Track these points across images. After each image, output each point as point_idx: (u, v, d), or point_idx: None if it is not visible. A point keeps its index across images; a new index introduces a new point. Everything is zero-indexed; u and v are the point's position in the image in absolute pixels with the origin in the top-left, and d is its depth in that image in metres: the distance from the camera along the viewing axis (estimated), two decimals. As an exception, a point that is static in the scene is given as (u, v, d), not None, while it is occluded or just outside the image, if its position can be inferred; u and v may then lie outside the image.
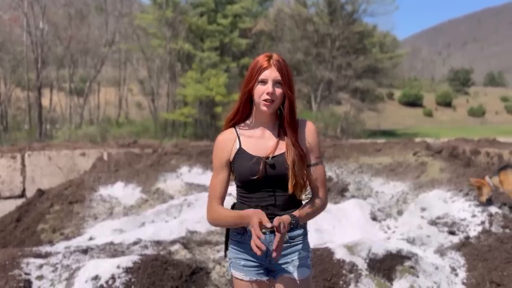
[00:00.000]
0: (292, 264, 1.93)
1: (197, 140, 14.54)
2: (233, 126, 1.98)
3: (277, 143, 1.90)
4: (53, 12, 23.95)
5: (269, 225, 1.71)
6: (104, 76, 29.21)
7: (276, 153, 1.89)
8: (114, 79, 29.30)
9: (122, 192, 7.34)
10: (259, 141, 1.92)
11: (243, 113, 1.95)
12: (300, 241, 1.95)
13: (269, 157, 1.87)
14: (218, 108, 21.49)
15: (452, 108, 56.72)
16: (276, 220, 1.74)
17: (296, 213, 1.89)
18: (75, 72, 26.35)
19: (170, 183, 7.63)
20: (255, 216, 1.74)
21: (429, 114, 52.57)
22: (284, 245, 1.89)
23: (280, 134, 1.92)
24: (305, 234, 1.98)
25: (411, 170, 7.67)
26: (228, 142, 1.94)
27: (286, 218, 1.81)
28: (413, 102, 54.47)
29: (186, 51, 22.75)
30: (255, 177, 1.85)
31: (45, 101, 22.95)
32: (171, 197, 7.07)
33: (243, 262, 1.95)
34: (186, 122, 22.77)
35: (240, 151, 1.91)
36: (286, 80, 1.85)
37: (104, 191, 7.35)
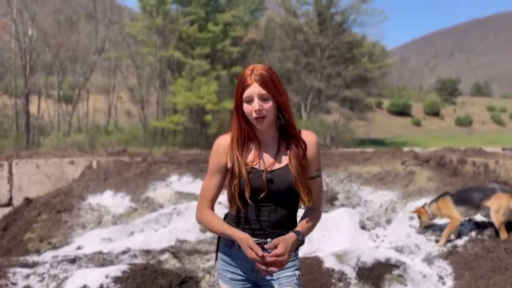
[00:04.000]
0: (278, 282, 1.88)
1: (187, 148, 14.47)
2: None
3: (276, 157, 1.84)
4: (42, 19, 23.79)
5: (260, 252, 1.66)
6: (93, 83, 29.05)
7: (275, 167, 1.83)
8: (103, 87, 29.14)
9: (111, 200, 7.28)
10: (257, 152, 1.85)
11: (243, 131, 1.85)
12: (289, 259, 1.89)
13: (267, 171, 1.81)
14: (208, 116, 21.48)
15: (440, 117, 57.55)
16: (273, 244, 1.70)
17: (299, 228, 1.83)
18: (64, 79, 26.17)
19: (159, 191, 7.58)
20: (244, 244, 1.70)
21: (417, 123, 53.27)
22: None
23: (280, 147, 1.86)
24: (295, 253, 1.92)
25: (399, 179, 7.74)
26: (227, 148, 1.86)
27: (290, 237, 1.75)
28: (401, 111, 55.22)
29: (177, 59, 22.77)
30: (262, 192, 1.79)
31: (33, 108, 22.72)
32: (161, 206, 7.02)
33: (230, 275, 1.90)
34: (175, 130, 22.71)
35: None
36: (273, 92, 1.75)
37: (92, 199, 7.28)
